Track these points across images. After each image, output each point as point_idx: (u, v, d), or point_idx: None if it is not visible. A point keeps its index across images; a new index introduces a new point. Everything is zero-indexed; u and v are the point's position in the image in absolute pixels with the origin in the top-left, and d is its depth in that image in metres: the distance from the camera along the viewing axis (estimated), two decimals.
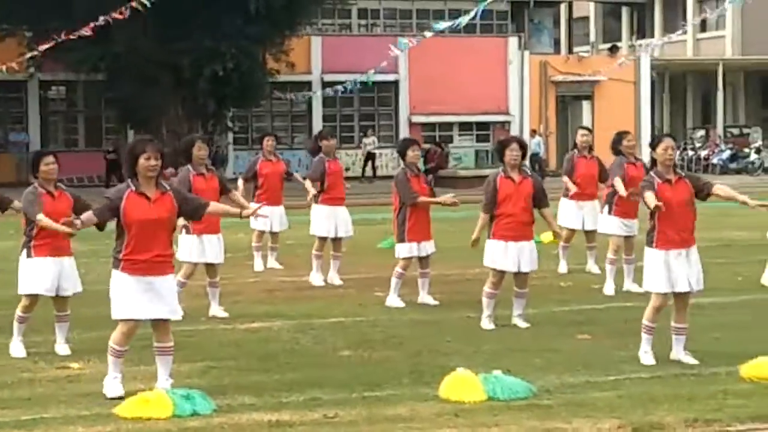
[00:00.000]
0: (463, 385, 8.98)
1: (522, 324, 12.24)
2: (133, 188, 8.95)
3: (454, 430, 8.15)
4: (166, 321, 9.12)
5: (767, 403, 8.69)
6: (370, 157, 43.47)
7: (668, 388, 9.22)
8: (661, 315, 10.29)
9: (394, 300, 13.75)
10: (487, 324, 12.21)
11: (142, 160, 8.92)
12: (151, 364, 9.34)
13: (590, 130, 16.87)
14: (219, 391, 9.17)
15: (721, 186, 10.52)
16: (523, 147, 12.20)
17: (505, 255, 12.02)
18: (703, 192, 10.33)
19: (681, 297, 10.26)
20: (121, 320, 9.04)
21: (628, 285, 14.61)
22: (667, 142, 10.34)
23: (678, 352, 10.35)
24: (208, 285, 13.26)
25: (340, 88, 37.49)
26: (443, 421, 8.33)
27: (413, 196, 13.39)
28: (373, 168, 43.36)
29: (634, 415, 8.38)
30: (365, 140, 43.79)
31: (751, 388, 9.20)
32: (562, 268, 16.41)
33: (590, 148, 16.37)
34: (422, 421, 8.36)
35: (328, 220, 15.58)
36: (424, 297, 13.84)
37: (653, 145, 10.40)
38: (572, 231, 16.47)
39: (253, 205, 11.63)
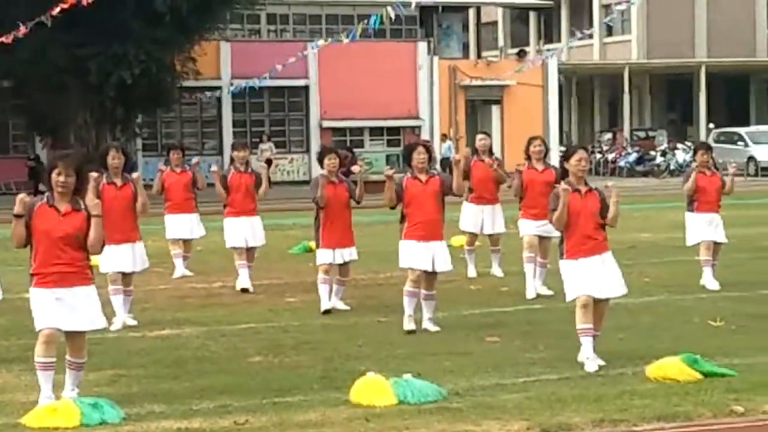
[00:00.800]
0: (373, 389, 9.01)
1: (432, 328, 12.28)
2: (46, 201, 8.90)
3: None
4: (81, 334, 9.02)
5: (672, 402, 8.82)
6: (268, 162, 43.29)
7: (576, 389, 9.33)
8: (591, 313, 10.20)
9: (324, 306, 13.61)
10: (408, 324, 12.15)
11: (53, 175, 8.89)
12: (59, 373, 9.22)
13: (488, 134, 17.11)
14: (128, 400, 9.10)
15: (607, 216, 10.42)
16: (428, 150, 12.45)
17: (418, 254, 12.07)
18: (603, 215, 10.34)
19: (597, 304, 10.31)
20: (39, 331, 8.94)
21: (537, 288, 14.67)
22: (581, 153, 10.39)
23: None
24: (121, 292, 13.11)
25: (242, 83, 37.08)
26: (354, 426, 8.35)
27: (314, 197, 13.44)
28: (268, 176, 43.06)
29: (542, 416, 8.47)
30: (262, 146, 43.42)
31: (656, 388, 9.34)
32: (471, 272, 16.49)
33: (490, 152, 16.53)
34: (333, 426, 8.37)
35: (239, 229, 15.56)
36: (336, 302, 13.84)
37: (566, 156, 10.46)
38: (474, 235, 16.58)
39: None
